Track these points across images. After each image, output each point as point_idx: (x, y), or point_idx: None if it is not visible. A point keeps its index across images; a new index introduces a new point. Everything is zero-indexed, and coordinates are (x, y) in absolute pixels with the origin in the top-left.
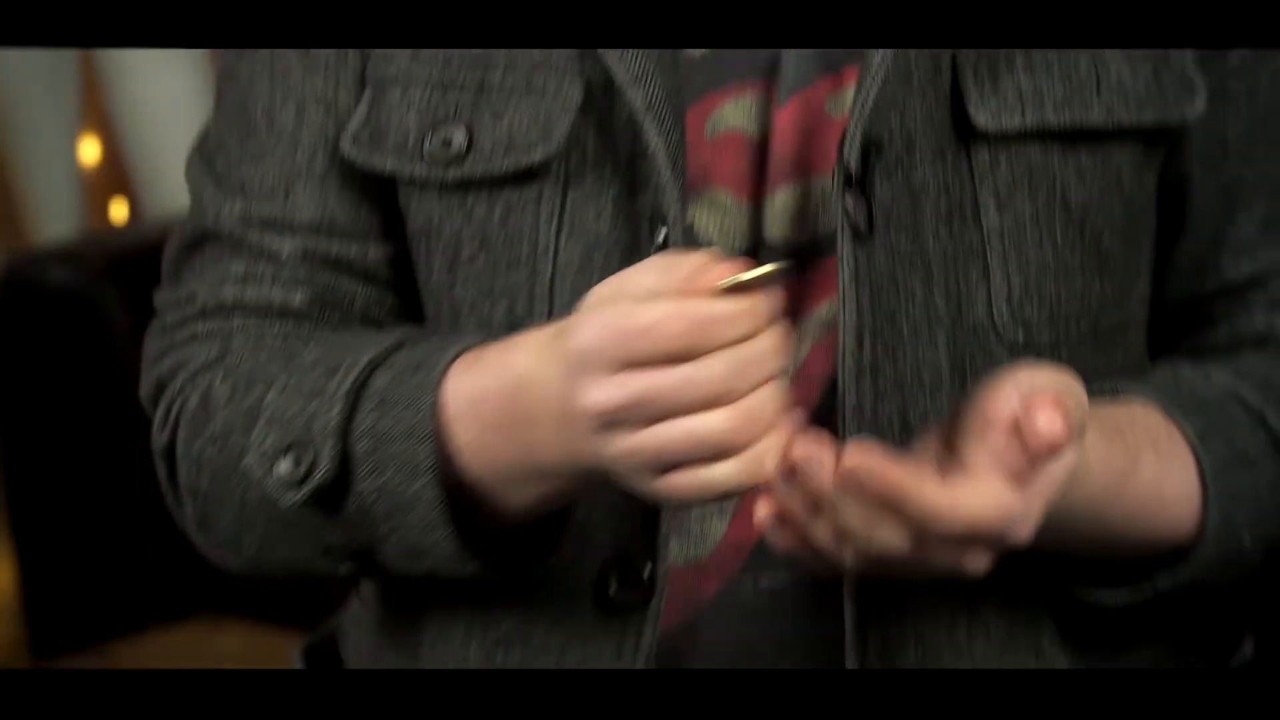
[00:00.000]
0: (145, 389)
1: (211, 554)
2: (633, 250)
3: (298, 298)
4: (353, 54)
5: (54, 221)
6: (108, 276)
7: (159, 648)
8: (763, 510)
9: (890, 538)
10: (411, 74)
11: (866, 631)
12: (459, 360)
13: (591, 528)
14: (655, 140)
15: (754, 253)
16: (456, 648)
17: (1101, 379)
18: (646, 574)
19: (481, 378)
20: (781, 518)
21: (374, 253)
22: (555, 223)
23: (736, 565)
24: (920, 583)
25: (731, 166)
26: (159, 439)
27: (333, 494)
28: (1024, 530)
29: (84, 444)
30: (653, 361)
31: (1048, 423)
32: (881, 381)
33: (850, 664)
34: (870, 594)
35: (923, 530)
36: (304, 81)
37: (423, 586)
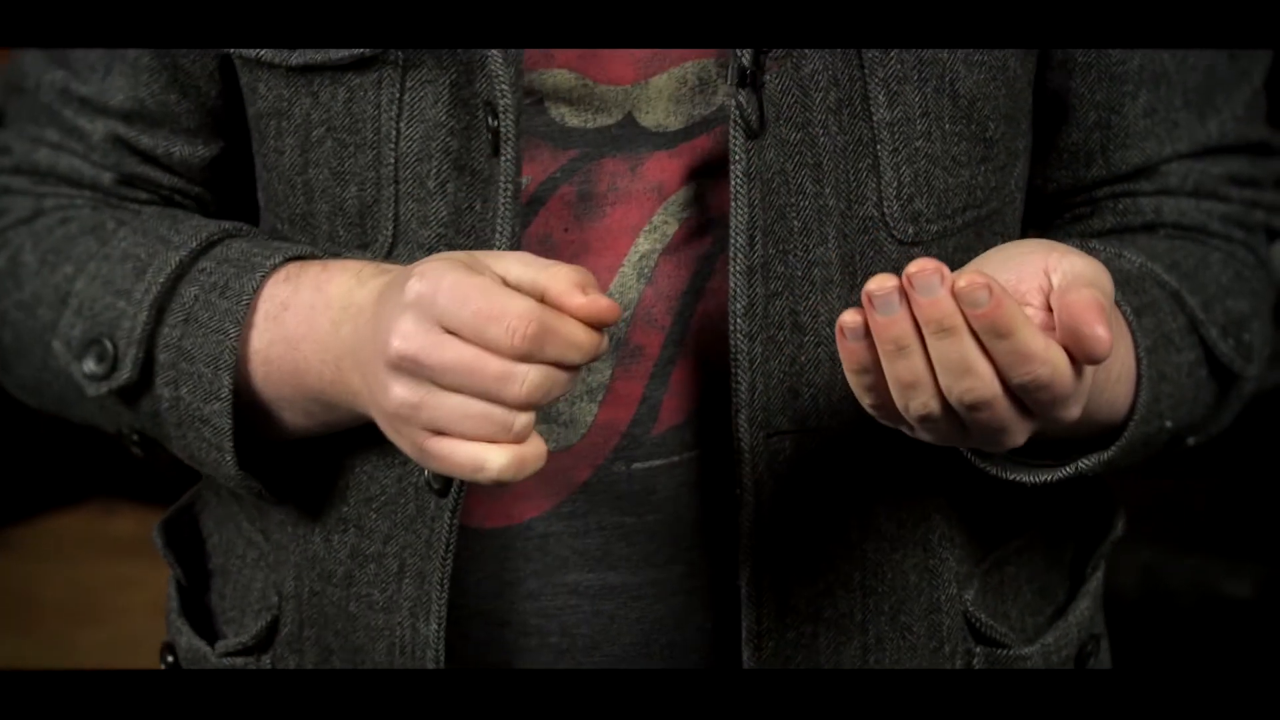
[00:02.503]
0: None
1: (8, 388)
2: (469, 136)
3: (106, 178)
4: None
5: None
6: None
7: (54, 532)
8: (849, 318)
9: (976, 384)
10: None
11: (757, 535)
12: (274, 273)
13: None
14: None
15: (620, 132)
16: (304, 527)
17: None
18: None
19: (295, 291)
20: (862, 362)
21: (182, 149)
22: (395, 108)
23: (608, 450)
24: (816, 489)
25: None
26: None
27: (132, 392)
28: (1076, 409)
29: None
30: (478, 341)
31: (1103, 338)
32: (773, 280)
33: (741, 558)
34: (762, 493)
35: (1010, 372)
36: None
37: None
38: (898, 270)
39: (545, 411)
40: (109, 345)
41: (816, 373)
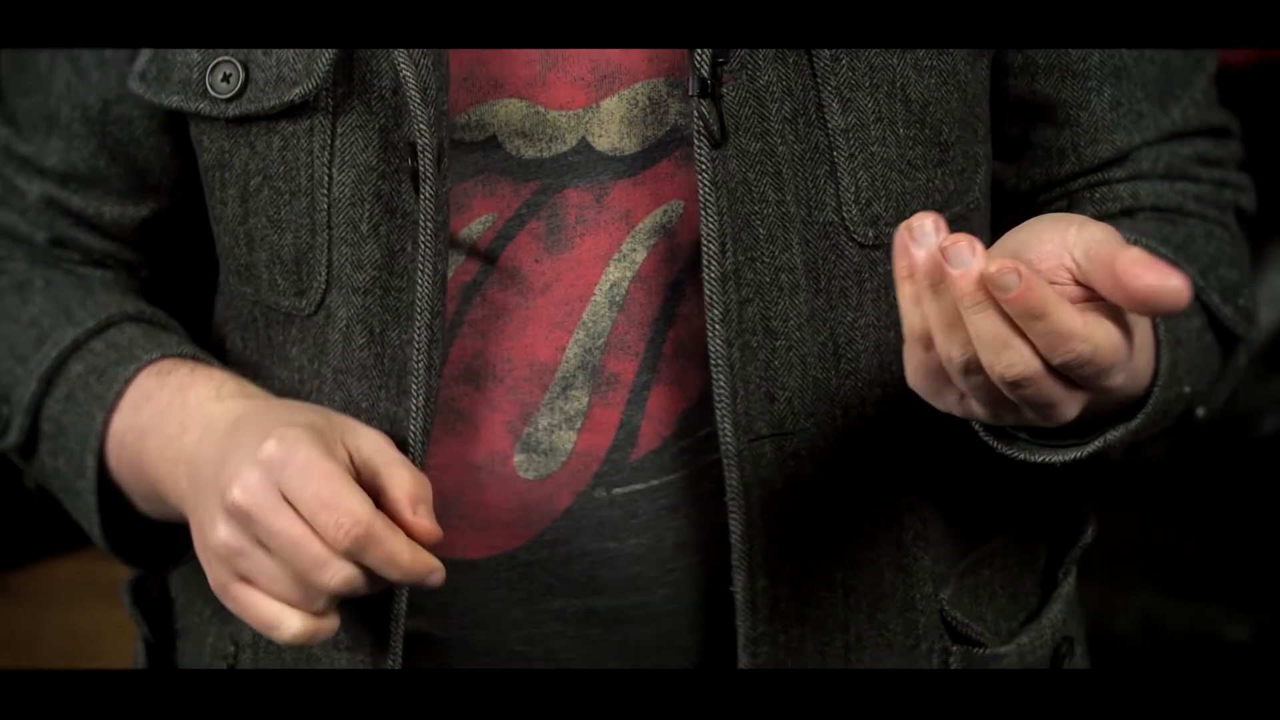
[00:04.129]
0: None
1: None
2: (398, 179)
3: (40, 237)
4: None
5: None
6: None
7: (53, 577)
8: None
9: (1015, 360)
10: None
11: (749, 540)
12: (146, 370)
13: None
14: (406, 68)
15: (576, 159)
16: None
17: None
18: None
19: (160, 386)
20: (922, 332)
21: (113, 209)
22: (327, 154)
23: (588, 476)
24: (807, 497)
25: (528, 75)
26: None
27: (23, 453)
28: (1121, 377)
29: None
30: (310, 521)
31: (1180, 285)
32: (744, 287)
33: (735, 564)
34: (750, 498)
35: (1050, 353)
36: None
37: None
38: (860, 276)
39: (524, 441)
40: (4, 407)
41: (790, 376)
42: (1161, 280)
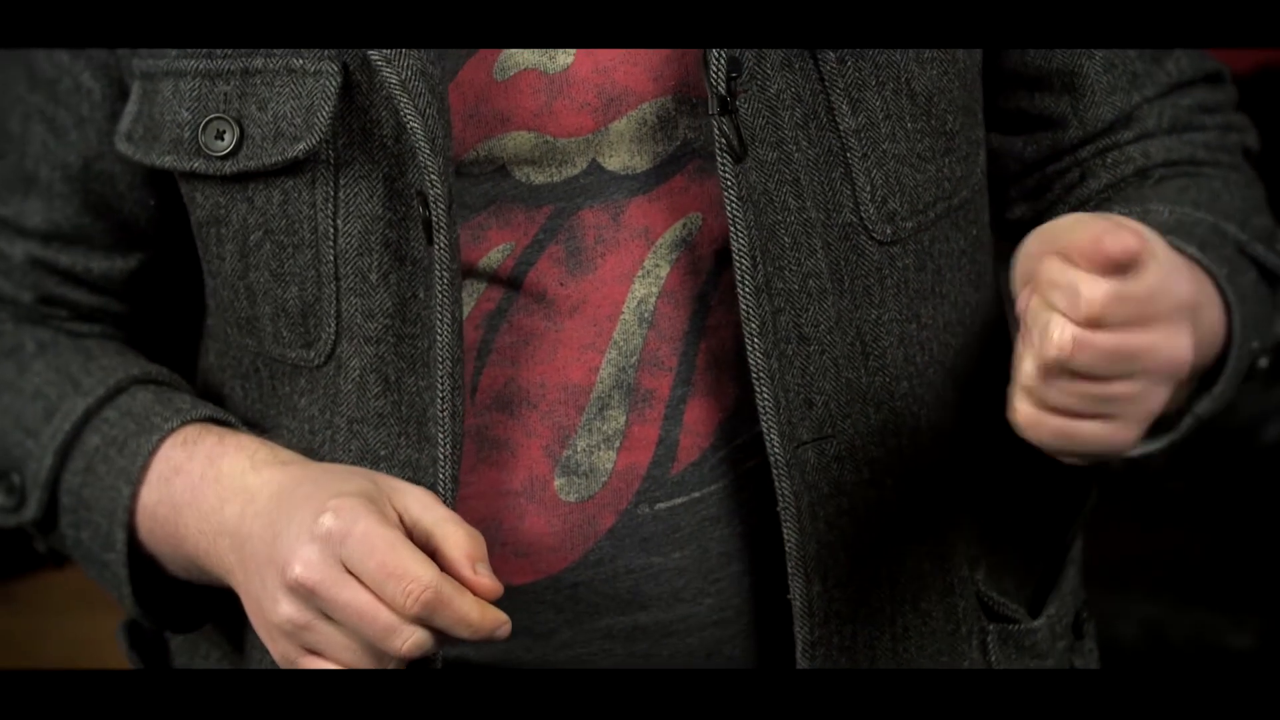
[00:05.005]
0: None
1: None
2: (407, 226)
3: (26, 297)
4: (96, 57)
5: None
6: None
7: (54, 586)
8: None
9: (1122, 388)
10: (179, 65)
11: (803, 546)
12: (169, 440)
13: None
14: (411, 118)
15: (588, 180)
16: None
17: (960, 254)
18: None
19: (189, 458)
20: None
21: (100, 263)
22: (331, 206)
23: (630, 494)
24: (854, 510)
25: (534, 105)
26: None
27: (41, 526)
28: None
29: None
30: (376, 591)
31: (1124, 243)
32: (775, 297)
33: (792, 571)
34: (800, 504)
35: (1147, 367)
36: (28, 94)
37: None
38: (880, 273)
39: (563, 464)
40: (16, 480)
41: (825, 380)
42: (1101, 244)
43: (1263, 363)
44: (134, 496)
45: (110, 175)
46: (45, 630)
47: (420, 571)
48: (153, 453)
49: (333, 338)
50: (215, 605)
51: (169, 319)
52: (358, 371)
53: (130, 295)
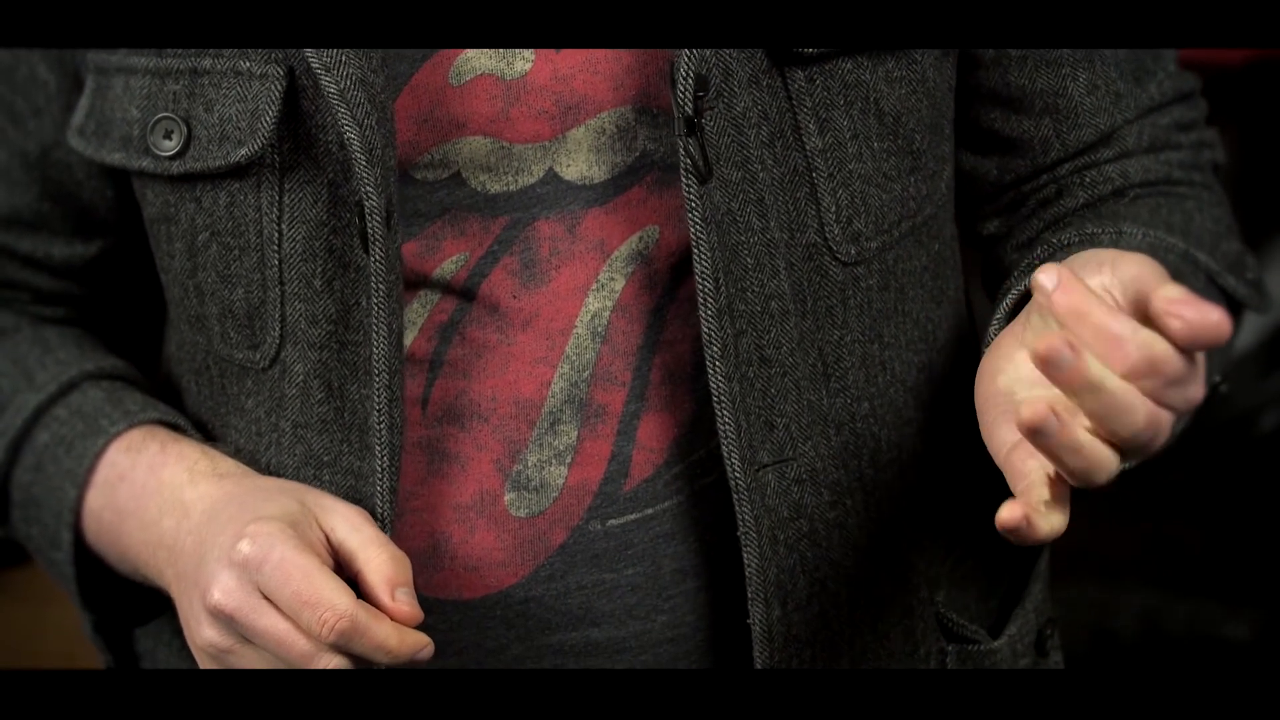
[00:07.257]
0: None
1: None
2: (350, 233)
3: None
4: (50, 53)
5: None
6: None
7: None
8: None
9: (1133, 407)
10: (131, 62)
11: (763, 571)
12: (115, 444)
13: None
14: (349, 128)
15: (544, 189)
16: None
17: (923, 271)
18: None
19: (132, 466)
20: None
21: (61, 249)
22: (276, 210)
23: (581, 510)
24: (815, 515)
25: (490, 111)
26: None
27: None
28: (1198, 390)
29: None
30: (293, 619)
31: (1219, 321)
32: (738, 319)
33: (752, 596)
34: (761, 527)
35: (1113, 425)
36: None
37: None
38: (844, 294)
39: (513, 479)
40: None
41: (786, 402)
42: (1201, 317)
43: (1223, 389)
44: (80, 499)
45: (68, 164)
46: (41, 621)
47: (335, 600)
48: (98, 456)
49: (277, 341)
50: (165, 601)
51: (133, 304)
52: (301, 376)
53: (93, 280)
